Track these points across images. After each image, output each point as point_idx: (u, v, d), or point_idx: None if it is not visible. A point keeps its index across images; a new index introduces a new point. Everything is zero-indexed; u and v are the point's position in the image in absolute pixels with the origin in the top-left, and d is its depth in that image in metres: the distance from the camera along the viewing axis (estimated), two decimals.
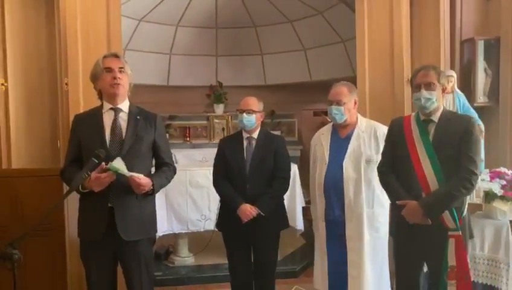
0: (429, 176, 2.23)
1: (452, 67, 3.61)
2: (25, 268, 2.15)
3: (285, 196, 4.18)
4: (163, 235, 4.17)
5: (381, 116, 3.67)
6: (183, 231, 4.26)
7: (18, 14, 3.33)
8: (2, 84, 3.28)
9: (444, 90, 2.36)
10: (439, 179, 2.22)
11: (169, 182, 2.41)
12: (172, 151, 6.76)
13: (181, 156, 6.40)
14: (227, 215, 2.85)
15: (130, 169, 2.12)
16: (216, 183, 2.87)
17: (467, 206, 2.33)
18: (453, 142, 2.23)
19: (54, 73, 3.48)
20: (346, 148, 2.63)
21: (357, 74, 3.96)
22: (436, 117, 2.32)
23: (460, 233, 2.23)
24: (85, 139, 2.24)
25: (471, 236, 2.41)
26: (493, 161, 3.40)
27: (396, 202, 2.32)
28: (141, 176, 2.15)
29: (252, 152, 2.82)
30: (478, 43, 3.48)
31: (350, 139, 2.66)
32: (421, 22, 3.79)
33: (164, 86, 6.87)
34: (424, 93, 2.27)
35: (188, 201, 4.20)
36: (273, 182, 2.79)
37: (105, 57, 2.32)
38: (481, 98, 3.50)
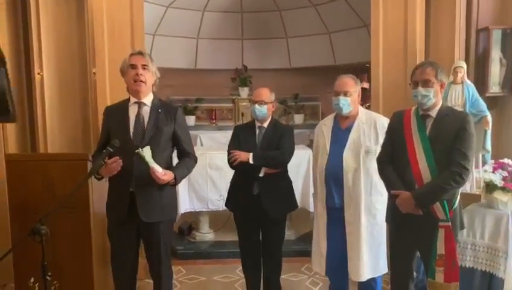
0: (423, 169, 2.34)
1: (467, 57, 3.60)
2: (55, 240, 2.46)
3: (300, 180, 4.43)
4: (186, 212, 4.49)
5: (394, 103, 3.75)
6: (204, 210, 4.55)
7: (51, 10, 3.61)
8: (39, 74, 3.61)
9: (442, 86, 2.43)
10: (433, 173, 2.31)
11: (190, 172, 2.62)
12: (198, 133, 7.06)
13: (206, 138, 6.67)
14: (237, 196, 3.10)
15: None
16: (230, 162, 3.07)
17: (458, 198, 2.43)
18: (448, 138, 2.31)
19: (84, 63, 3.78)
20: (347, 139, 2.76)
21: (371, 59, 4.03)
22: (434, 112, 2.40)
23: (450, 224, 2.34)
24: (112, 129, 2.50)
25: (462, 227, 2.51)
26: (505, 150, 3.42)
27: (391, 191, 2.46)
28: (165, 171, 2.38)
29: (261, 138, 3.05)
30: (493, 33, 3.45)
31: (350, 130, 2.77)
32: (437, 10, 3.78)
33: (192, 70, 7.10)
34: (421, 90, 2.36)
35: (207, 182, 4.47)
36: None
37: (131, 54, 2.50)
38: (494, 88, 3.50)
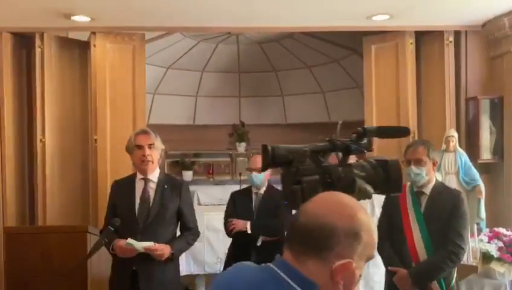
0: (419, 246, 2.38)
1: (458, 124, 3.73)
2: None
3: None
4: (182, 275, 4.42)
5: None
6: (200, 273, 4.49)
7: (56, 77, 3.74)
8: (41, 140, 3.68)
9: (434, 164, 2.51)
10: (428, 250, 2.36)
11: (190, 245, 2.63)
12: (196, 189, 7.00)
13: (203, 194, 6.67)
14: (235, 260, 3.10)
15: (154, 234, 2.42)
16: (226, 227, 3.16)
17: (455, 276, 2.46)
18: (443, 216, 2.37)
19: (86, 129, 3.86)
20: None
21: (365, 120, 4.16)
22: (428, 189, 2.46)
23: None
24: (119, 204, 2.55)
25: None
26: (498, 217, 3.47)
27: (388, 268, 2.48)
28: (161, 246, 2.41)
29: (258, 204, 3.14)
30: (482, 102, 3.60)
31: None
32: (427, 80, 3.95)
33: (190, 125, 7.24)
34: (414, 168, 2.43)
35: (205, 244, 4.43)
36: None
37: (136, 134, 2.55)
38: (486, 155, 3.60)
